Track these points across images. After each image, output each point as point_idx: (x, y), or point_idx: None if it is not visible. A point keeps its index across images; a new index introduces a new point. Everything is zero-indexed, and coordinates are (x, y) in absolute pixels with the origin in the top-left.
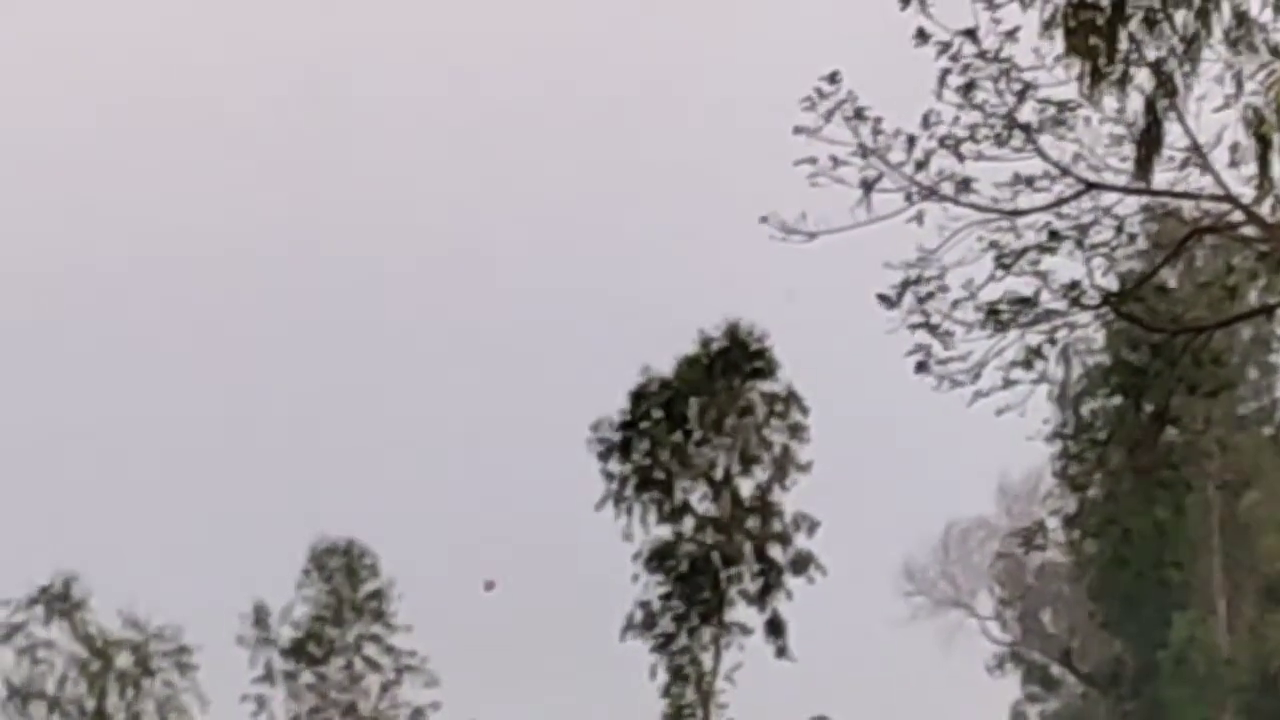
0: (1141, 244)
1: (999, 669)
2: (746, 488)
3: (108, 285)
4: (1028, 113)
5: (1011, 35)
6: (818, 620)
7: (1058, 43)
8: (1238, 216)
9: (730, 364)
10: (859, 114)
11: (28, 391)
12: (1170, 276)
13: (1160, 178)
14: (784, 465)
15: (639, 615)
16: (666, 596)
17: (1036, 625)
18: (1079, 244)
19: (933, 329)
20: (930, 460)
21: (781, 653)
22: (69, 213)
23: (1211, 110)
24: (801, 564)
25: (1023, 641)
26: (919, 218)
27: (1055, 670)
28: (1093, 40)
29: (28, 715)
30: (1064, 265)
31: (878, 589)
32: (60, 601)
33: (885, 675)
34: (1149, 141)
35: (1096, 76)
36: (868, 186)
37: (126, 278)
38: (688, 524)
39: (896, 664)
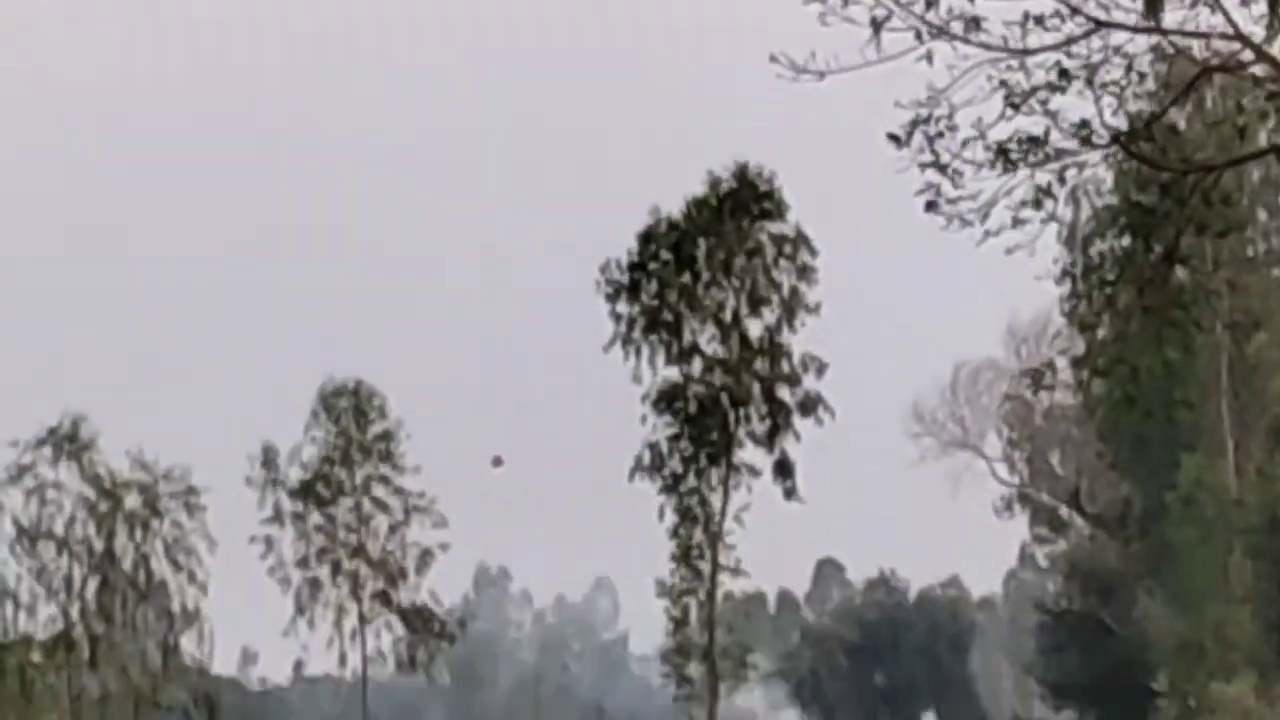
0: (1151, 84)
1: (1007, 510)
2: (755, 329)
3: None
4: None
5: None
6: (826, 462)
7: None
8: (1248, 56)
9: (739, 205)
10: None
11: (38, 233)
12: (1180, 116)
13: (1170, 17)
14: (792, 307)
15: (647, 456)
16: (675, 438)
17: (1045, 466)
18: (1089, 83)
19: (942, 168)
20: (939, 302)
21: (790, 494)
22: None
23: None
24: (810, 405)
25: (1031, 483)
26: (928, 57)
27: (1063, 512)
28: None
29: (36, 555)
30: (1074, 104)
31: (886, 431)
32: (69, 442)
33: (893, 517)
34: None
35: None
36: (877, 25)
37: (129, 103)
38: (696, 365)
39: (904, 506)
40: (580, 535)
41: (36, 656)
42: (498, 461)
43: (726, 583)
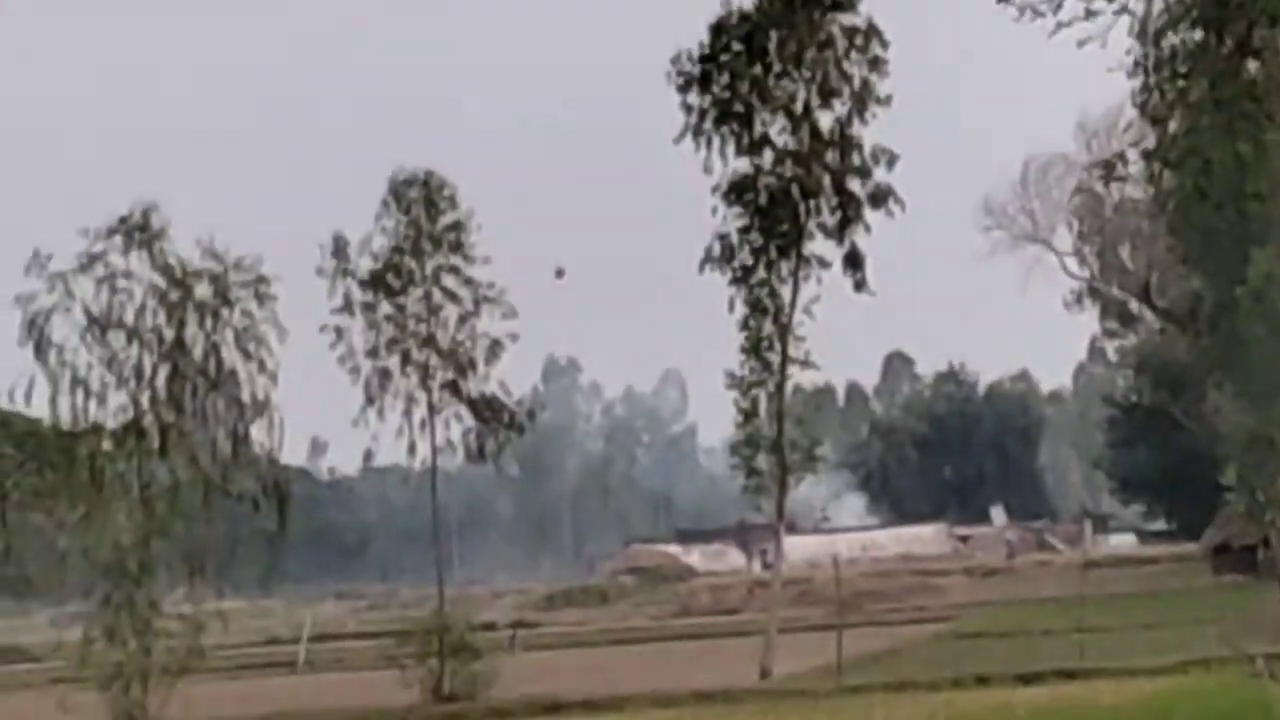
0: None
1: (1077, 304)
2: (826, 121)
3: None
4: None
5: None
6: (896, 254)
7: None
8: None
9: None
10: None
11: (110, 23)
12: None
13: None
14: (863, 99)
15: (717, 248)
16: (745, 229)
17: (1115, 261)
18: None
19: None
20: (1010, 95)
21: (859, 286)
22: None
23: None
24: (880, 197)
25: (1101, 277)
26: None
27: (1133, 306)
28: None
29: (106, 344)
30: None
31: (956, 224)
32: (139, 231)
33: (963, 311)
34: None
35: None
36: None
37: None
38: (767, 157)
39: (974, 299)
40: (649, 328)
41: (107, 444)
42: (560, 273)
43: (796, 375)
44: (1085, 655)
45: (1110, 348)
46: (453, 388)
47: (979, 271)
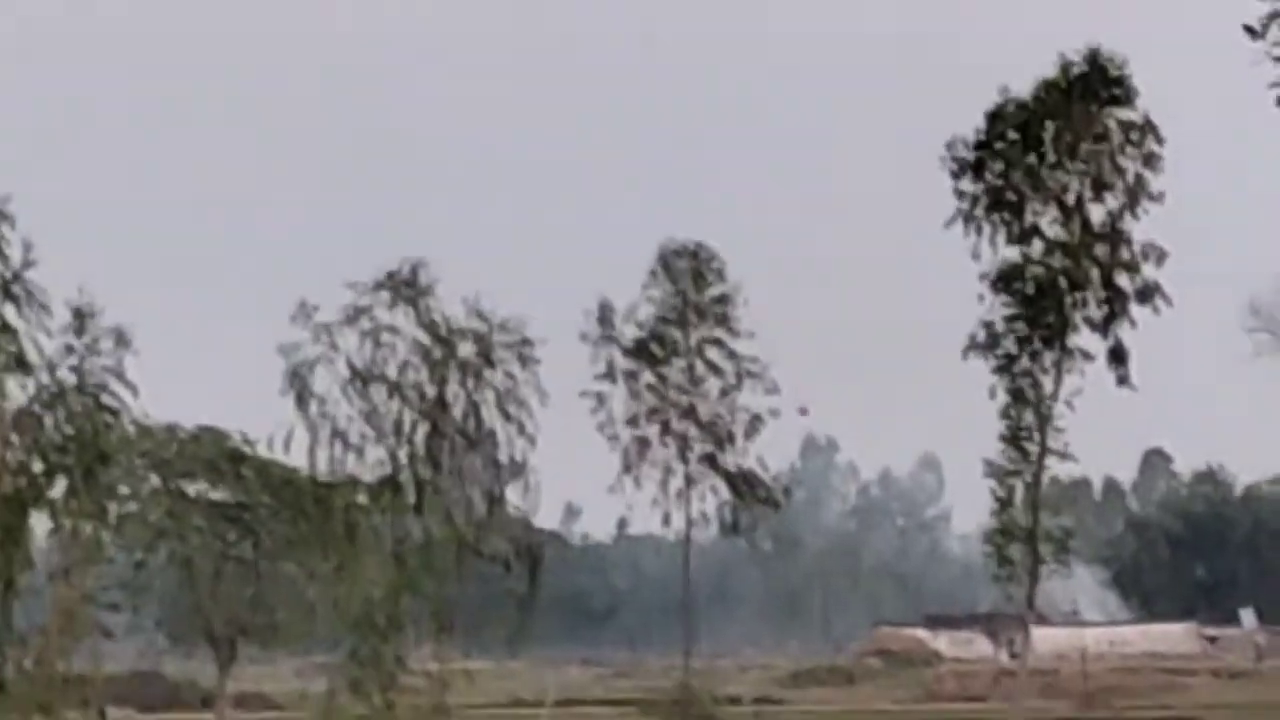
0: None
1: None
2: (1097, 214)
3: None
4: None
5: None
6: (1160, 351)
7: None
8: None
9: (1088, 89)
10: None
11: (382, 81)
12: None
13: None
14: (1136, 193)
15: (982, 335)
16: (1011, 318)
17: None
18: None
19: None
20: None
21: (1123, 381)
22: None
23: None
24: (1148, 294)
25: None
26: None
27: None
28: None
29: (368, 398)
30: None
31: (1222, 325)
32: (406, 287)
33: (1223, 411)
34: None
35: None
36: None
37: None
38: (1036, 247)
39: (1236, 400)
40: (909, 411)
41: (362, 498)
42: (804, 412)
43: (1053, 466)
44: None
45: None
46: (710, 460)
47: (1242, 373)
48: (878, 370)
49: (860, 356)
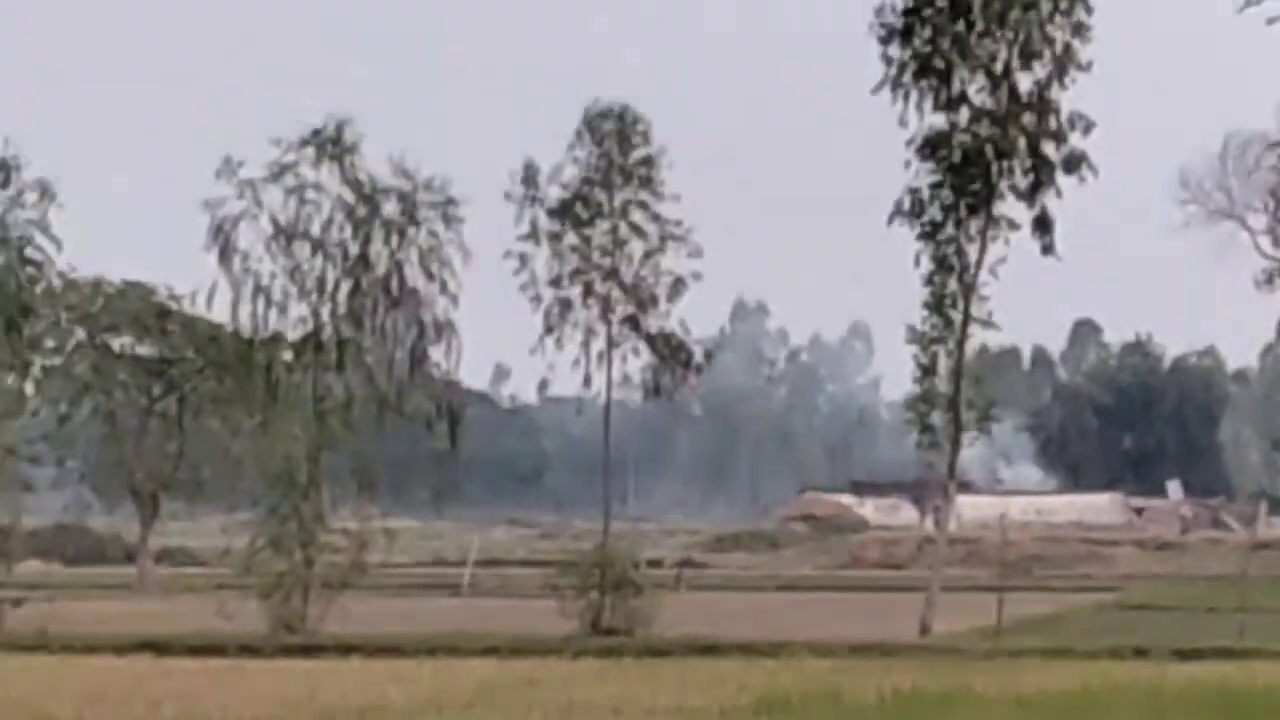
0: None
1: (1267, 284)
2: (1025, 83)
3: None
4: None
5: None
6: (1086, 221)
7: None
8: None
9: None
10: None
11: None
12: None
13: None
14: (1064, 63)
15: (908, 202)
16: (936, 185)
17: None
18: None
19: None
20: (1213, 71)
21: (1048, 250)
22: None
23: None
24: (1074, 163)
25: None
26: None
27: None
28: None
29: (291, 254)
30: None
31: (1150, 196)
32: (332, 144)
33: (1153, 283)
34: None
35: None
36: None
37: None
38: (963, 114)
39: (1165, 272)
40: (840, 278)
41: (285, 355)
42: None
43: (977, 334)
44: (1246, 635)
45: None
46: (633, 322)
47: (1171, 244)
48: (810, 236)
49: (792, 222)
